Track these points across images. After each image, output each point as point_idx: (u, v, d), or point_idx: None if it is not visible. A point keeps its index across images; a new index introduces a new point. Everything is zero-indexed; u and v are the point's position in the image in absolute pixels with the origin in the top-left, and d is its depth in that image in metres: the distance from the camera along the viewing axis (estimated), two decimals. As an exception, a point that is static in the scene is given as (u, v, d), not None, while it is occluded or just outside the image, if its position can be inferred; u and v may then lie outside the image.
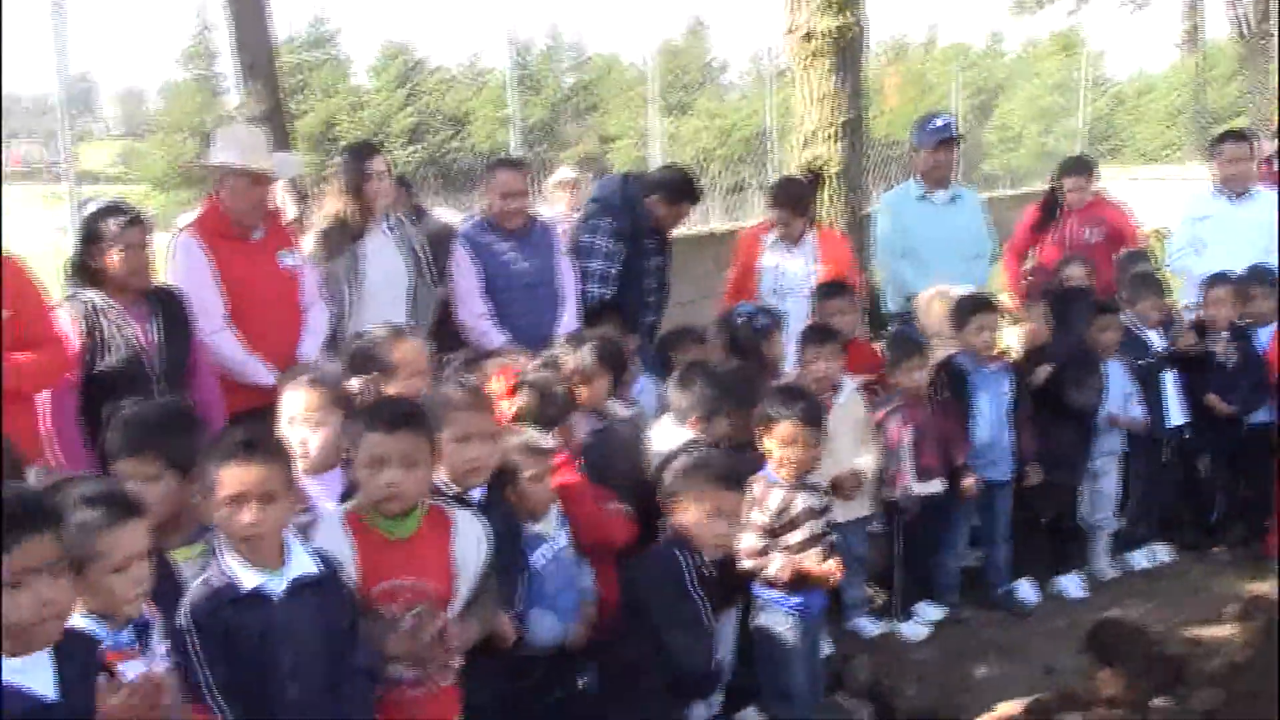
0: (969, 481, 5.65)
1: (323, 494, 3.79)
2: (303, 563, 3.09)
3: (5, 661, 2.36)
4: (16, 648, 2.39)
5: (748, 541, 4.40)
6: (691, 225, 9.99)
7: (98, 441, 4.08)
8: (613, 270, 6.35)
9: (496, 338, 5.89)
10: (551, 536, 4.11)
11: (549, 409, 4.39)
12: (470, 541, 3.49)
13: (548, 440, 4.07)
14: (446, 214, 7.46)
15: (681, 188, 6.57)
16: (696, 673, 4.06)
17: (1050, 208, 7.87)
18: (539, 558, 4.03)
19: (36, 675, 2.42)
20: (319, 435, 3.84)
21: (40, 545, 2.39)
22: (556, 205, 8.48)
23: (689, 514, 4.00)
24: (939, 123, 7.40)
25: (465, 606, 3.47)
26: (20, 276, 4.38)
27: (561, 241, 6.35)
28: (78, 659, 2.52)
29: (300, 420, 3.86)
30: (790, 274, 6.79)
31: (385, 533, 3.36)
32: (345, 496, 3.64)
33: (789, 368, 5.66)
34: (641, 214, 6.43)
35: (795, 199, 6.88)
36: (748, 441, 4.67)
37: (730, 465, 4.15)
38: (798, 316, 6.21)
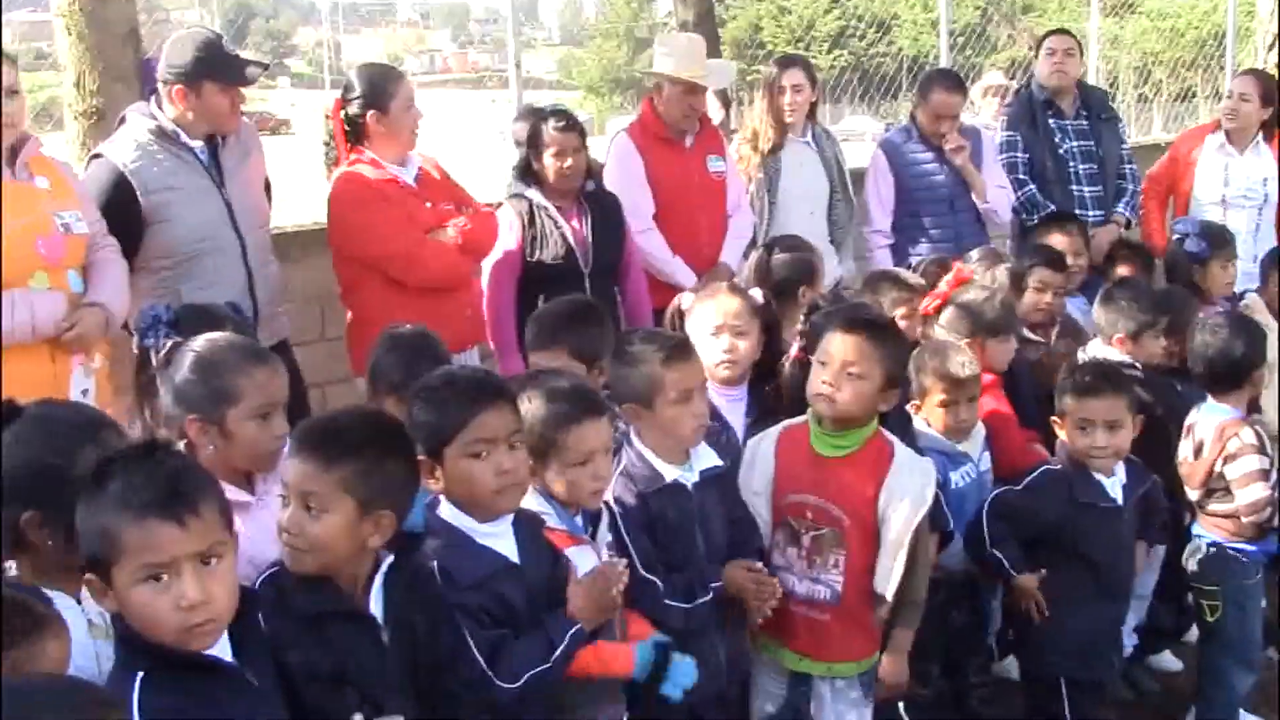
0: None
1: (728, 409, 3.75)
2: (708, 456, 3.23)
3: (478, 526, 2.63)
4: (482, 514, 2.64)
5: (1255, 493, 3.94)
6: (1132, 135, 9.30)
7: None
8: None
9: (888, 257, 5.80)
10: (975, 459, 3.99)
11: (980, 329, 4.23)
12: (908, 483, 3.30)
13: (968, 366, 3.92)
14: (866, 122, 7.35)
15: None
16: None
17: None
18: (961, 476, 3.92)
19: (502, 540, 2.67)
20: (745, 343, 3.79)
21: (497, 418, 2.61)
22: (984, 112, 8.14)
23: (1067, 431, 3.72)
24: None
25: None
26: (441, 171, 4.80)
27: (992, 152, 6.11)
28: (533, 532, 2.74)
29: (727, 328, 3.79)
30: (1243, 181, 6.18)
31: (816, 448, 3.36)
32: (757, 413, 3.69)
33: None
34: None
35: (1268, 91, 6.22)
36: (1179, 366, 4.33)
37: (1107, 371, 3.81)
38: (1248, 231, 5.66)
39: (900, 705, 3.63)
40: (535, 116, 5.12)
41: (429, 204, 4.65)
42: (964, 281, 4.45)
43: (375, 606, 2.37)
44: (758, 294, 3.97)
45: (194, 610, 1.94)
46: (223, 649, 2.05)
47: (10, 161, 3.80)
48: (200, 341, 2.83)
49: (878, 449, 3.35)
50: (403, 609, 2.40)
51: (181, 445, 2.63)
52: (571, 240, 4.90)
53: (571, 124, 4.97)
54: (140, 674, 1.95)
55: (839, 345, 3.29)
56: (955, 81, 6.12)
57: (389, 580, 2.40)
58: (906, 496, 3.28)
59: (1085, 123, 6.29)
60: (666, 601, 3.05)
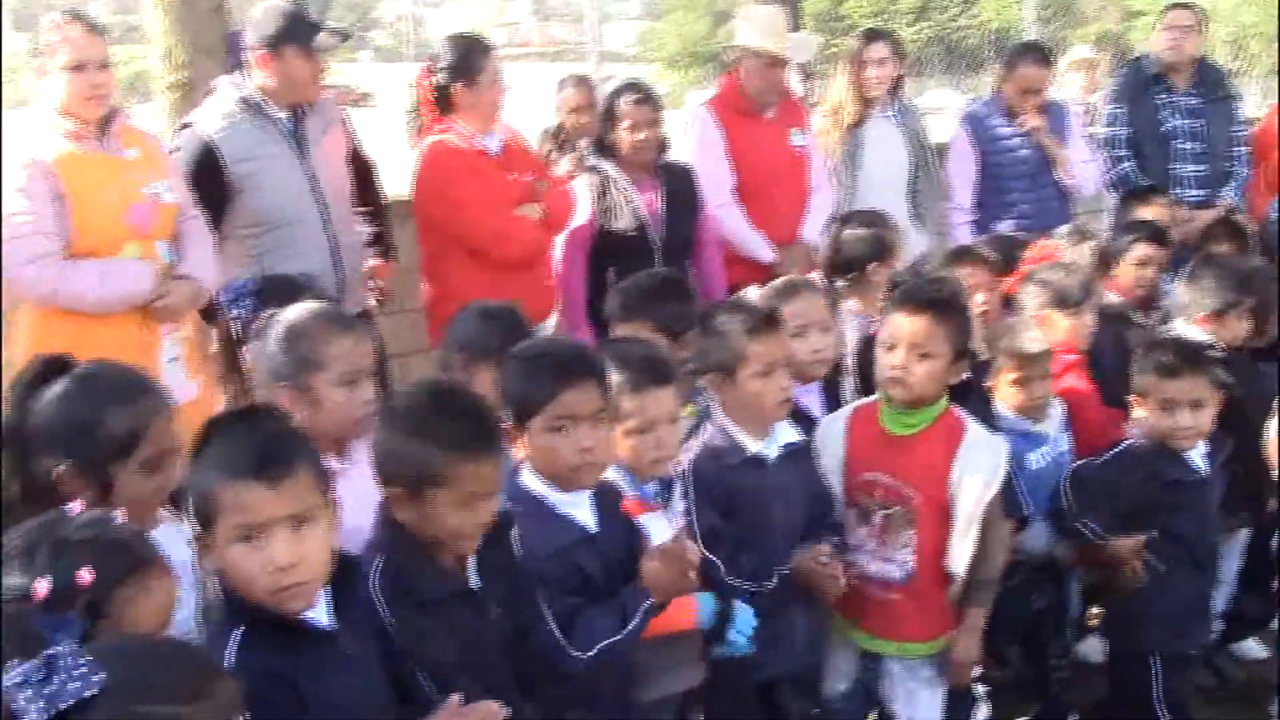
0: None
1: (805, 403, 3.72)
2: (788, 433, 3.24)
3: (557, 496, 2.67)
4: (564, 485, 2.67)
5: None
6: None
7: (600, 306, 4.45)
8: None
9: (969, 233, 5.71)
10: (1053, 438, 3.93)
11: (1057, 303, 4.16)
12: (979, 459, 3.27)
13: (1039, 342, 3.86)
14: (949, 96, 7.24)
15: None
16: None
17: None
18: (1040, 457, 3.86)
19: (580, 510, 2.70)
20: (828, 339, 3.74)
21: (584, 395, 2.63)
22: (1070, 86, 7.98)
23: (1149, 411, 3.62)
24: None
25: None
26: (522, 143, 4.88)
27: (1076, 126, 5.99)
28: (611, 503, 2.78)
29: (814, 325, 3.71)
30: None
31: (886, 426, 3.34)
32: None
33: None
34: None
35: None
36: (1269, 346, 4.22)
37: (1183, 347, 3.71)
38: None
39: (978, 686, 3.60)
40: (613, 90, 5.12)
41: (513, 176, 4.68)
42: (1047, 258, 4.38)
43: (474, 581, 2.41)
44: (815, 279, 3.94)
45: (284, 573, 1.98)
46: (320, 613, 2.09)
47: (101, 133, 3.89)
48: (288, 311, 2.88)
49: (948, 425, 3.31)
50: (487, 579, 2.43)
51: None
52: (644, 214, 4.91)
53: (647, 97, 5.01)
54: (238, 631, 2.00)
55: (904, 326, 3.25)
56: (1042, 55, 6.01)
57: (482, 554, 2.43)
58: (978, 473, 3.25)
59: (1198, 100, 6.14)
60: (730, 581, 3.06)
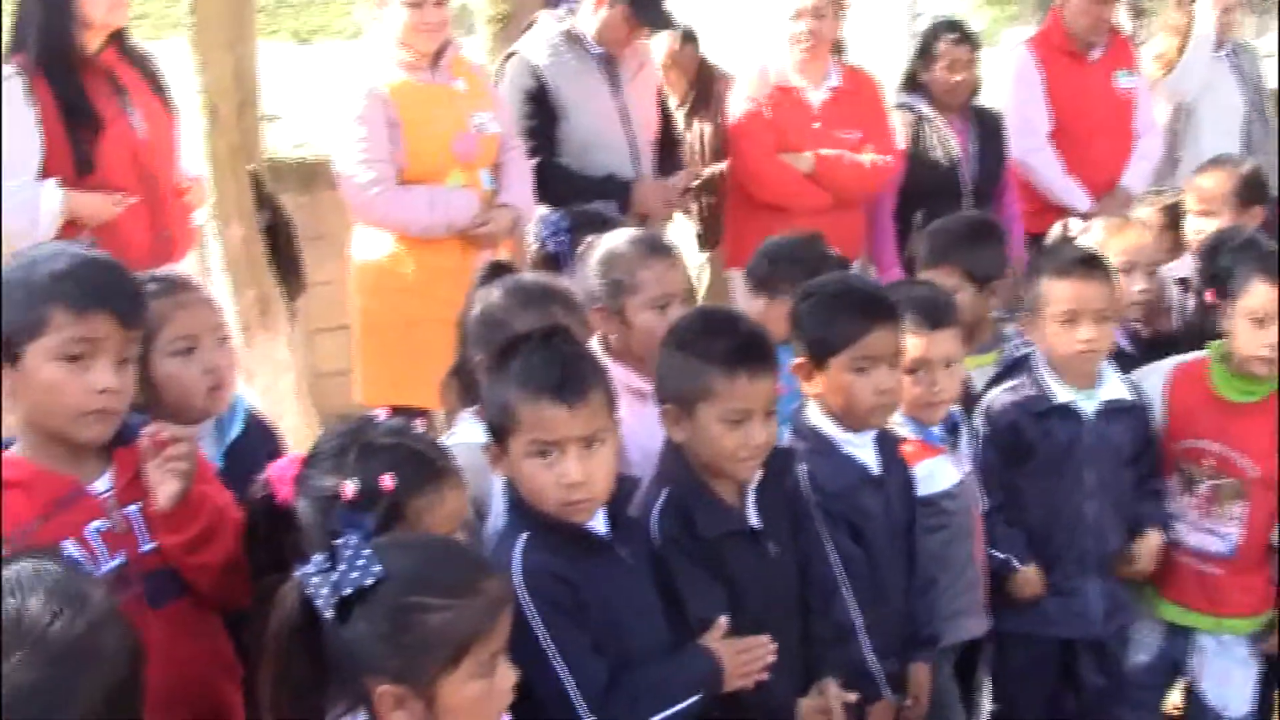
0: None
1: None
2: (1116, 388, 3.11)
3: (843, 435, 2.67)
4: (857, 424, 2.67)
5: None
6: None
7: (904, 247, 4.39)
8: None
9: None
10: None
11: None
12: None
13: None
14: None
15: None
16: None
17: None
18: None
19: (864, 451, 2.70)
20: (1153, 281, 3.59)
21: (887, 337, 2.64)
22: None
23: None
24: None
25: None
26: (877, 98, 4.86)
27: None
28: (892, 446, 2.76)
29: (1140, 268, 3.56)
30: None
31: (1221, 391, 3.14)
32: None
33: None
34: None
35: None
36: None
37: None
38: None
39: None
40: (929, 28, 5.00)
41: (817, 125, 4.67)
42: None
43: (754, 519, 2.44)
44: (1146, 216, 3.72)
45: (574, 488, 2.09)
46: (599, 523, 2.20)
47: (433, 64, 4.10)
48: (606, 237, 2.99)
49: None
50: (767, 517, 2.45)
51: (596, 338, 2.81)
52: (957, 154, 4.82)
53: (965, 37, 4.90)
54: (524, 536, 2.13)
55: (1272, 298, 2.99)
56: None
57: (762, 492, 2.46)
58: None
59: None
60: (1006, 533, 3.00)
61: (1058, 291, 3.01)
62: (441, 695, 1.66)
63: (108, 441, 2.04)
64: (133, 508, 2.06)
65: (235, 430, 2.51)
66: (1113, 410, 3.08)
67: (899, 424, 2.84)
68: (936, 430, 2.91)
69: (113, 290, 2.01)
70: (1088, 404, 3.06)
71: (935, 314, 2.85)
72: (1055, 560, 3.07)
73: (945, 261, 3.45)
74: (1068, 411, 3.05)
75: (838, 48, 4.88)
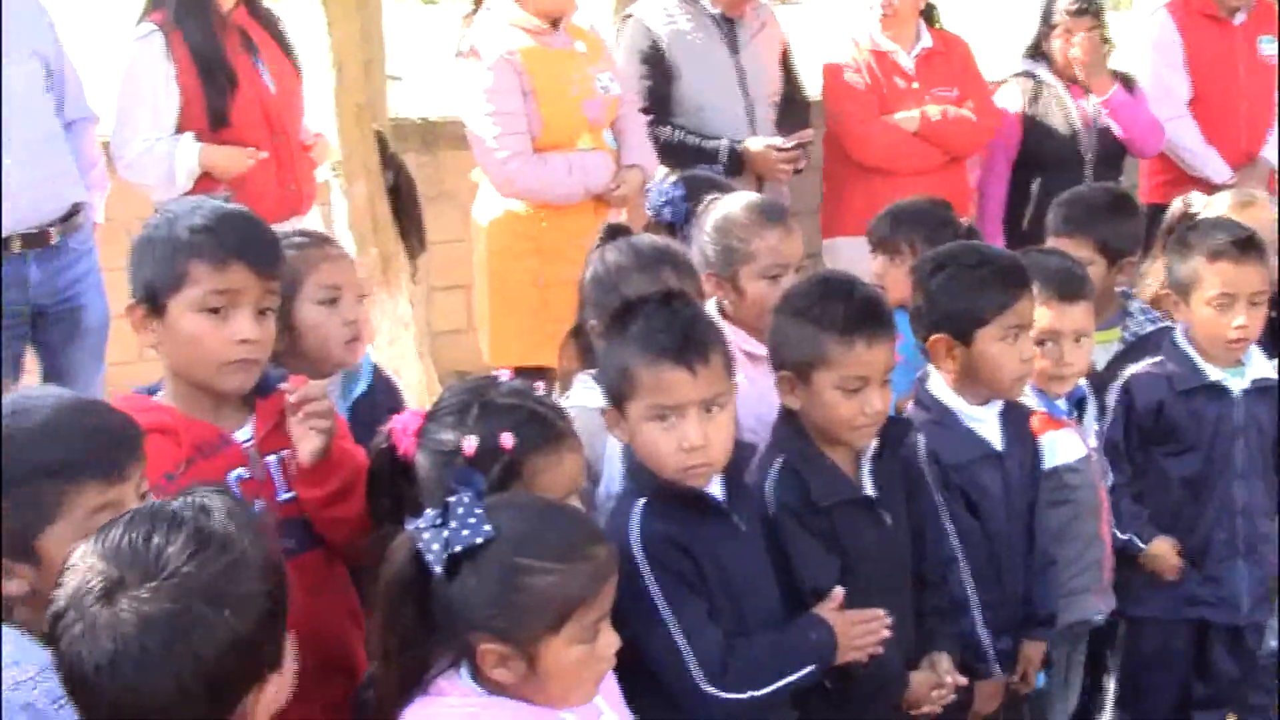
0: None
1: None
2: (1263, 366, 3.04)
3: (968, 408, 2.65)
4: (978, 397, 2.65)
5: None
6: None
7: (1027, 218, 4.30)
8: None
9: None
10: None
11: None
12: None
13: None
14: None
15: None
16: None
17: None
18: None
19: (987, 425, 2.68)
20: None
21: (1029, 305, 2.61)
22: None
23: None
24: None
25: None
26: (969, 57, 4.80)
27: None
28: (1019, 420, 2.73)
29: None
30: None
31: None
32: None
33: None
34: None
35: None
36: None
37: None
38: None
39: None
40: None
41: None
42: None
43: (869, 488, 2.43)
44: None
45: (693, 453, 2.08)
46: (715, 489, 2.20)
47: (555, 28, 4.11)
48: (723, 201, 2.96)
49: None
50: (883, 486, 2.44)
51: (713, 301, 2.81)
52: (1078, 123, 4.73)
53: (1086, 8, 4.76)
54: (642, 500, 2.14)
55: None
56: None
57: (878, 461, 2.45)
58: None
59: None
60: (1129, 508, 2.96)
61: (1212, 274, 2.93)
62: (543, 656, 1.69)
63: (249, 391, 2.11)
64: (272, 458, 2.12)
65: (362, 385, 2.58)
66: (1261, 389, 3.02)
67: (1024, 395, 2.80)
68: (1061, 404, 2.87)
69: (249, 242, 2.06)
70: (1237, 382, 2.99)
71: (1070, 286, 2.81)
72: (1203, 542, 3.01)
73: (1080, 232, 3.37)
74: (1217, 390, 2.99)
75: (929, 15, 4.78)
